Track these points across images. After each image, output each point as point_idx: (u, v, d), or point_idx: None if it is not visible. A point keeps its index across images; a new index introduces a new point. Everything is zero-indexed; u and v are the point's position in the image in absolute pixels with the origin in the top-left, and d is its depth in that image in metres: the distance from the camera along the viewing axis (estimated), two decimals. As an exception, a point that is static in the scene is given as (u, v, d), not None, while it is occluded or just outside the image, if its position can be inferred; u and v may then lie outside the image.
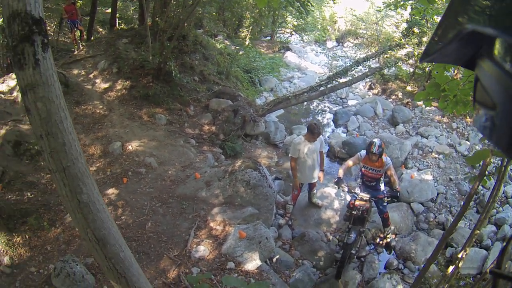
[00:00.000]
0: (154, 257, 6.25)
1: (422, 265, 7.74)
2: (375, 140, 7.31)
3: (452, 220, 8.99)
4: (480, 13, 0.67)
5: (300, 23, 26.10)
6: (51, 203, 7.36)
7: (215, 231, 6.88)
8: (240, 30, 24.27)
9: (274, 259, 7.15)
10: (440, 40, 0.83)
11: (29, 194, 7.61)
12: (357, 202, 7.13)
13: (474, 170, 10.76)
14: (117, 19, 16.80)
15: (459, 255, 4.21)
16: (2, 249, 6.41)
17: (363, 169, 7.72)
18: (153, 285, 5.70)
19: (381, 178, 7.76)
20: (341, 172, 7.40)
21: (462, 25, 0.73)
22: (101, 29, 18.90)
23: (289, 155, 8.26)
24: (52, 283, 5.59)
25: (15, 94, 10.31)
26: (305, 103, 16.05)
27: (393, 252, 8.29)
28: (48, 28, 17.80)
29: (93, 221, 2.80)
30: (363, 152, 7.58)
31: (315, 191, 8.89)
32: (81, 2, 18.92)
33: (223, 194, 7.78)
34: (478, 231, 4.13)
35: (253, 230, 6.67)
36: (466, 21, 0.72)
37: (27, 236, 6.67)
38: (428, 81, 15.23)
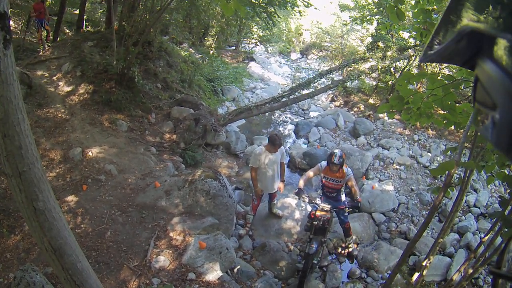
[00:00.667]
0: (114, 267, 6.10)
1: (386, 274, 7.84)
2: (336, 151, 7.38)
3: (414, 229, 9.18)
4: (479, 13, 0.66)
5: (265, 34, 26.29)
6: (10, 209, 7.11)
7: (175, 241, 6.78)
8: (206, 38, 24.27)
9: (235, 270, 7.09)
10: (440, 40, 0.82)
11: (-13, 200, 7.34)
12: (318, 213, 7.15)
13: (436, 181, 11.01)
14: (84, 21, 16.56)
15: (424, 263, 4.27)
16: (-40, 257, 6.19)
17: (323, 179, 7.76)
18: (113, 296, 5.58)
19: (342, 189, 7.82)
20: (301, 183, 7.42)
21: (461, 25, 0.72)
22: (67, 30, 18.52)
23: (250, 165, 8.24)
24: None
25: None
26: (267, 113, 16.11)
27: (355, 261, 8.35)
28: (16, 25, 17.41)
29: (49, 229, 2.69)
30: (324, 163, 7.62)
31: (275, 202, 8.90)
32: (49, 1, 18.55)
33: (183, 203, 7.68)
34: (441, 240, 4.19)
35: (213, 241, 6.60)
36: (465, 21, 0.71)
37: (-15, 244, 6.45)
38: (391, 95, 15.53)
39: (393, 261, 8.04)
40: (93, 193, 7.88)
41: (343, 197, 7.89)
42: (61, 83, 11.58)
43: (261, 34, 27.30)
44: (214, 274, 6.25)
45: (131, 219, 7.25)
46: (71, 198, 7.59)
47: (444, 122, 3.85)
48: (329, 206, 7.23)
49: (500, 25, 0.61)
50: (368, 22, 18.66)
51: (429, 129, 14.35)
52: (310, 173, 7.74)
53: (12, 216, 6.97)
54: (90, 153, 9.00)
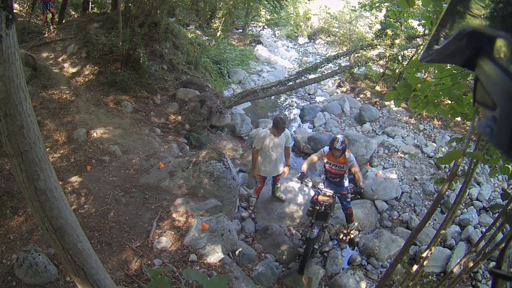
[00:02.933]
0: (116, 248, 6.14)
1: (386, 262, 7.87)
2: (339, 136, 7.36)
3: (416, 218, 9.19)
4: (479, 13, 0.65)
5: (273, 17, 26.08)
6: (14, 191, 7.18)
7: (177, 222, 6.81)
8: (213, 21, 24.06)
9: (237, 252, 7.14)
10: (440, 40, 0.82)
11: (-9, 181, 7.40)
12: (320, 198, 7.15)
13: (439, 172, 10.98)
14: (90, 3, 16.51)
15: (424, 254, 4.27)
16: (-36, 238, 6.23)
17: (326, 165, 7.75)
18: (115, 276, 5.62)
19: (345, 175, 7.81)
20: (304, 167, 7.41)
21: (462, 25, 0.71)
22: (73, 12, 18.47)
23: (253, 146, 8.24)
24: (15, 273, 5.47)
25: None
26: (272, 97, 16.02)
27: (356, 248, 8.39)
28: (21, 8, 17.38)
29: (50, 209, 2.69)
30: (326, 148, 7.61)
31: (279, 185, 8.90)
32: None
33: (186, 184, 7.72)
34: (443, 231, 4.19)
35: (215, 222, 6.61)
36: (465, 21, 0.70)
37: (-11, 225, 6.51)
38: (398, 83, 15.41)
39: (394, 250, 8.08)
40: (97, 174, 7.92)
41: (346, 183, 7.89)
42: (66, 65, 11.56)
43: (268, 17, 27.07)
44: (215, 256, 6.27)
45: (134, 200, 7.29)
46: (75, 179, 7.63)
47: (451, 112, 3.82)
48: (332, 192, 7.23)
49: (500, 25, 0.60)
50: (377, 9, 18.46)
51: (435, 119, 14.26)
52: (314, 157, 7.72)
53: (16, 198, 7.03)
54: (94, 134, 9.02)
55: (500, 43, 0.62)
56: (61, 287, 5.42)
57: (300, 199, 9.08)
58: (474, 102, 0.79)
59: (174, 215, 6.97)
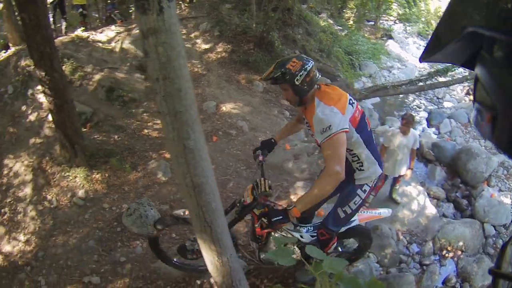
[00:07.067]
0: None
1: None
2: None
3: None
4: (479, 13, 0.67)
5: (405, 12, 25.25)
6: (136, 148, 7.72)
7: (295, 203, 6.91)
8: (344, 11, 23.82)
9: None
10: (441, 40, 0.83)
11: (116, 137, 8.02)
12: None
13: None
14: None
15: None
16: (80, 183, 6.82)
17: None
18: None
19: None
20: None
21: (462, 26, 0.73)
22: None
23: (382, 143, 8.11)
24: (122, 221, 5.94)
25: (113, 44, 10.90)
26: (401, 95, 15.65)
27: (455, 268, 7.97)
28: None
29: (194, 167, 2.87)
30: None
31: (397, 187, 8.68)
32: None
33: (309, 169, 7.78)
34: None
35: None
36: (466, 22, 0.72)
37: (106, 175, 7.05)
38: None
39: (488, 280, 7.60)
40: (222, 145, 8.27)
41: None
42: (198, 41, 12.15)
43: (400, 12, 26.31)
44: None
45: (254, 175, 7.51)
46: (200, 146, 8.02)
47: None
48: None
49: (500, 26, 0.61)
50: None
51: None
52: None
53: (137, 155, 7.56)
54: (223, 108, 9.41)
55: (500, 43, 0.64)
56: (163, 242, 5.65)
57: (415, 205, 8.79)
58: (474, 102, 0.80)
59: (292, 197, 7.08)
